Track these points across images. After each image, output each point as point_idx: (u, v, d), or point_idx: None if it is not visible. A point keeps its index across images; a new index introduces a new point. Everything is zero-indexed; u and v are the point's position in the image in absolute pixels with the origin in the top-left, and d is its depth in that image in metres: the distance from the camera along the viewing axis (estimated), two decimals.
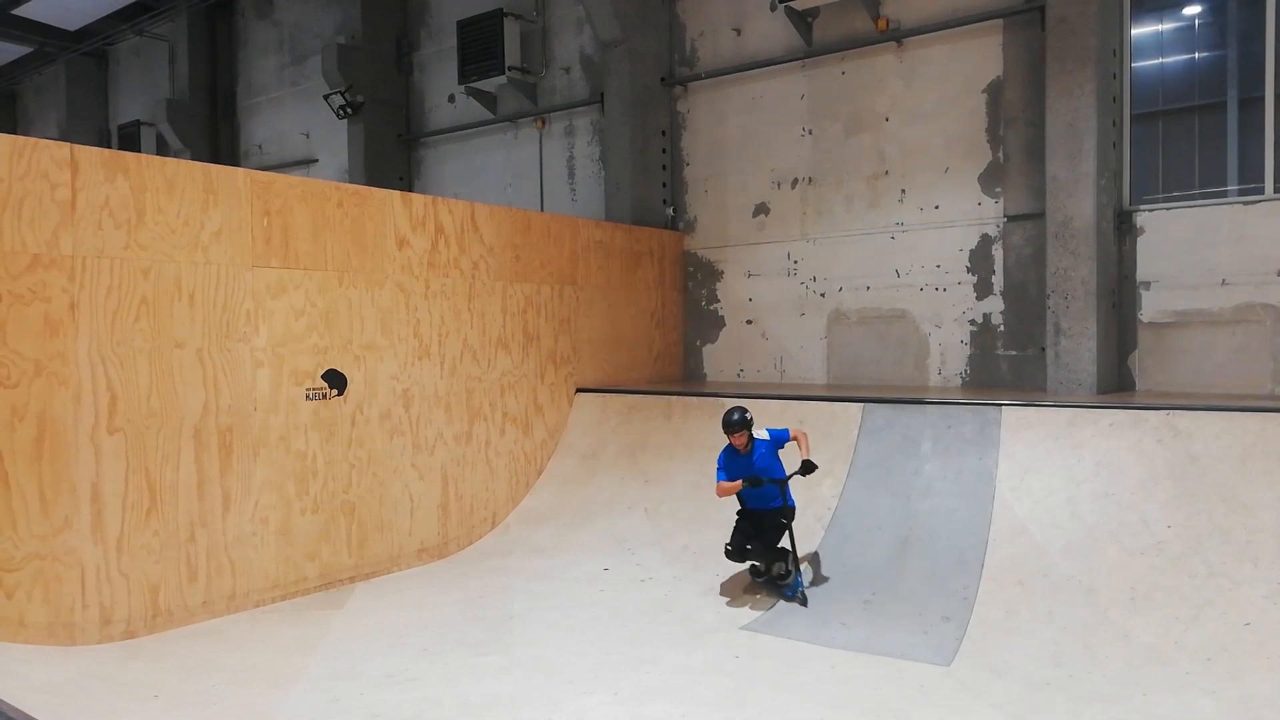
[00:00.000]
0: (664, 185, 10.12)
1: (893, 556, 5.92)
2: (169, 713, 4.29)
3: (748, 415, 5.83)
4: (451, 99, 12.29)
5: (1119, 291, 7.49)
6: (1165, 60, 7.60)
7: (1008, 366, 8.13)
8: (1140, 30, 7.63)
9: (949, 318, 8.42)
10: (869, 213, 8.87)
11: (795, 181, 9.34)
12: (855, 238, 8.95)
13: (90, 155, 5.19)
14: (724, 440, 6.00)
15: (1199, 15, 7.47)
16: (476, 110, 11.92)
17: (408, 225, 6.98)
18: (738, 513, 6.00)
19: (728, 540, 5.83)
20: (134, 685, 4.59)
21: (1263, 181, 7.04)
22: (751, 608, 5.73)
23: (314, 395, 6.29)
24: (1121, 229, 7.50)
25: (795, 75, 9.28)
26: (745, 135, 9.67)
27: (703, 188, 10.03)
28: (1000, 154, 8.13)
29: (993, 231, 8.18)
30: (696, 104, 10.06)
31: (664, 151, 10.12)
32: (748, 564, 5.92)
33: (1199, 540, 5.18)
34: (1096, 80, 7.09)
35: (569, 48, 11.08)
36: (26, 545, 4.89)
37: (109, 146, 11.62)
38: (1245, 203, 7.05)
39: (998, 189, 8.15)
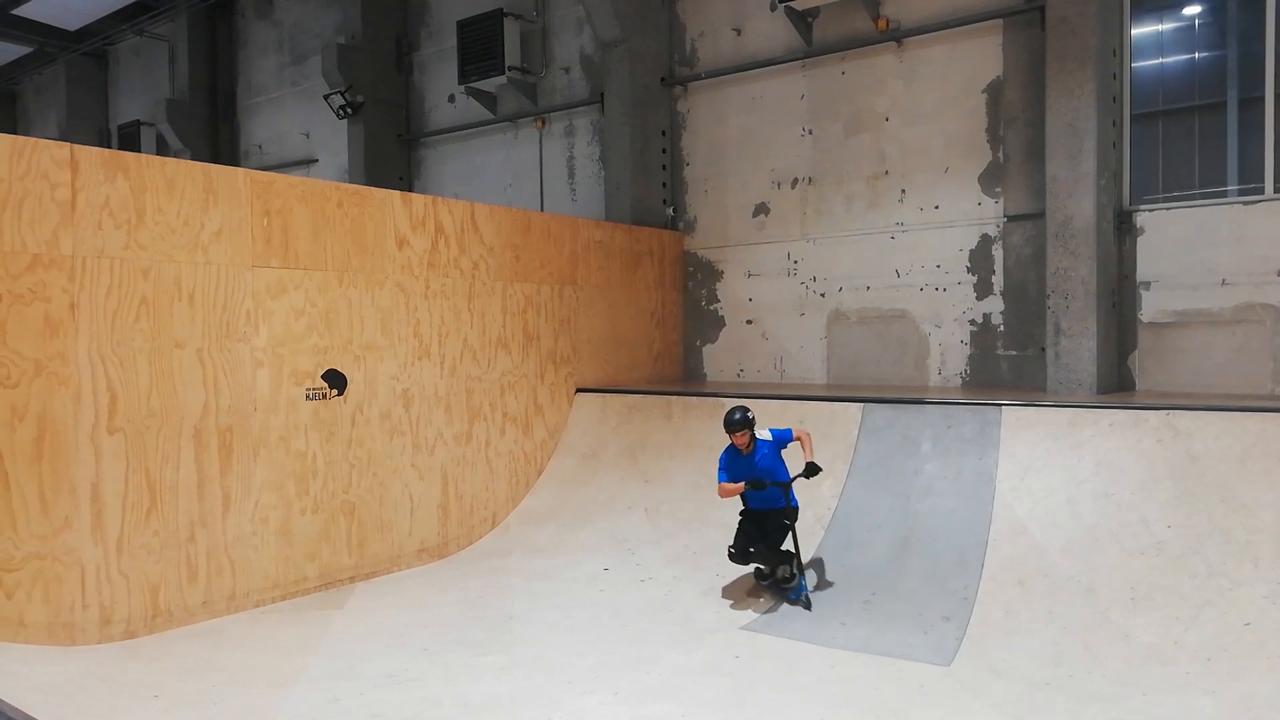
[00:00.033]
0: (664, 185, 10.12)
1: (893, 556, 5.92)
2: (169, 713, 4.28)
3: (749, 414, 5.77)
4: (451, 99, 12.29)
5: (1119, 291, 7.49)
6: (1165, 60, 7.60)
7: (1008, 366, 8.14)
8: (1140, 30, 7.63)
9: (949, 318, 8.42)
10: (869, 213, 8.87)
11: (795, 181, 9.34)
12: (855, 238, 8.95)
13: (90, 155, 5.19)
14: (725, 440, 5.96)
15: (1199, 15, 7.47)
16: (476, 110, 11.92)
17: (408, 225, 6.98)
18: (740, 513, 5.97)
19: (731, 543, 5.79)
20: (134, 685, 4.59)
21: (1263, 181, 7.04)
22: (751, 608, 5.73)
23: (314, 395, 6.29)
24: (1121, 229, 7.50)
25: (795, 75, 9.28)
26: (745, 135, 9.67)
27: (703, 188, 10.03)
28: (1000, 154, 8.13)
29: (993, 231, 8.18)
30: (696, 104, 10.06)
31: (664, 151, 10.12)
32: (752, 566, 5.90)
33: (1199, 540, 5.18)
34: (1096, 80, 7.09)
35: (569, 48, 11.08)
36: (26, 545, 4.89)
37: (109, 146, 11.62)
38: (1245, 203, 7.05)
39: (998, 189, 8.15)
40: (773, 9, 9.21)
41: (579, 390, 8.56)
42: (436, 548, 7.12)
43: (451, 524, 7.26)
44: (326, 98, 12.54)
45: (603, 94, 10.29)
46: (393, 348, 6.84)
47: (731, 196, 9.80)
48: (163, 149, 15.13)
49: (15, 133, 8.19)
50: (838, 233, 9.07)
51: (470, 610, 5.85)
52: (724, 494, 5.85)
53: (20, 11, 15.12)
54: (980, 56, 8.17)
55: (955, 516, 5.98)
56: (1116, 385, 7.42)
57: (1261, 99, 7.05)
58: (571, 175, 11.11)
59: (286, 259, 6.14)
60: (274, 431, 6.04)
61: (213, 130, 15.32)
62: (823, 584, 5.87)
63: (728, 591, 5.97)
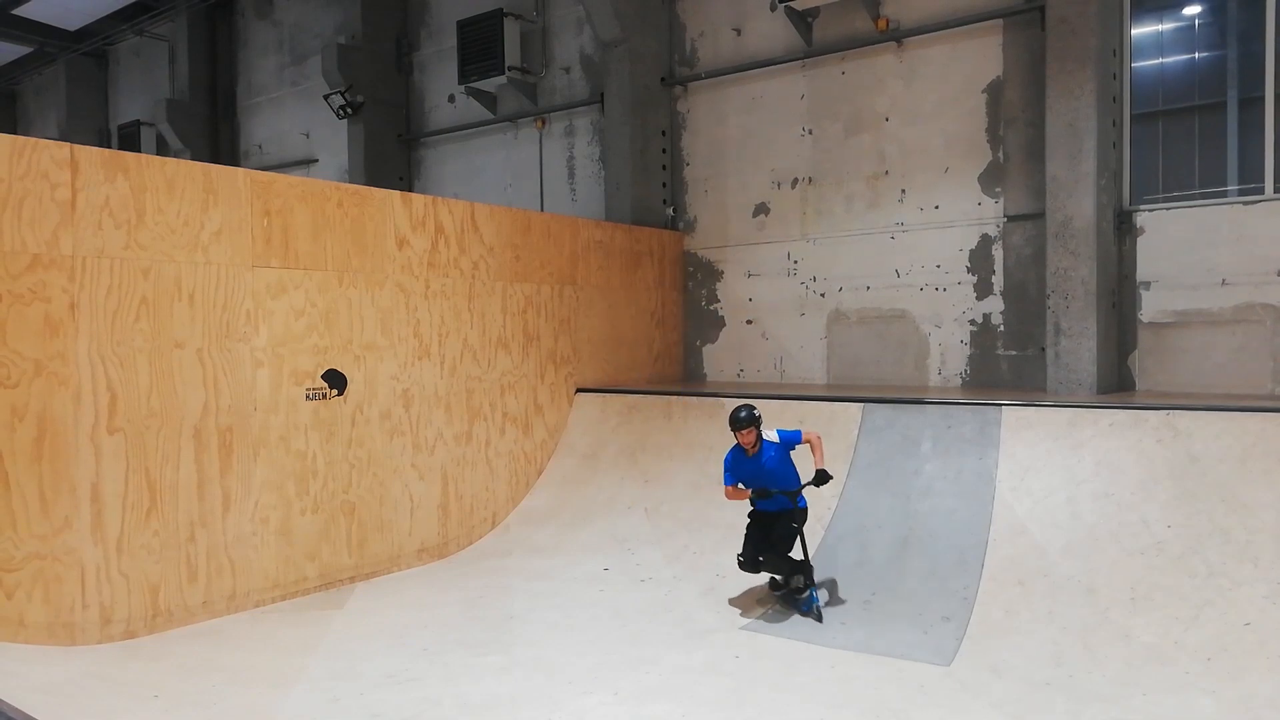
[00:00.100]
0: (664, 185, 10.12)
1: (893, 556, 5.92)
2: (169, 713, 4.28)
3: (756, 412, 5.61)
4: (451, 99, 12.29)
5: (1119, 291, 7.49)
6: (1165, 60, 7.59)
7: (1008, 366, 8.14)
8: (1140, 30, 7.63)
9: (949, 318, 8.42)
10: (869, 213, 8.87)
11: (795, 181, 9.34)
12: (855, 238, 8.95)
13: (90, 155, 5.19)
14: (726, 440, 5.86)
15: (1199, 15, 7.47)
16: (476, 110, 11.92)
17: (408, 225, 6.98)
18: (749, 515, 5.87)
19: (739, 551, 5.71)
20: (134, 685, 4.59)
21: (1263, 181, 7.04)
22: (752, 608, 5.72)
23: (314, 395, 6.29)
24: (1121, 229, 7.50)
25: (795, 75, 9.28)
26: (745, 135, 9.67)
27: (703, 188, 10.03)
28: (1000, 154, 8.13)
29: (993, 231, 8.18)
30: (696, 104, 10.06)
31: (664, 151, 10.12)
32: (766, 576, 5.83)
33: (1199, 540, 5.18)
34: (1096, 80, 7.09)
35: (569, 48, 11.08)
36: (26, 545, 4.89)
37: (109, 146, 11.62)
38: (1245, 203, 7.05)
39: (998, 189, 8.15)
40: (773, 9, 9.21)
41: (579, 390, 8.56)
42: (436, 548, 7.12)
43: (451, 524, 7.26)
44: (326, 98, 12.54)
45: (603, 94, 10.29)
46: (393, 348, 6.84)
47: (731, 196, 9.80)
48: (163, 149, 15.14)
49: (15, 133, 8.19)
50: (838, 233, 9.07)
51: (470, 610, 5.85)
52: (730, 497, 5.79)
53: (20, 11, 15.12)
54: (980, 56, 8.17)
55: (955, 516, 5.98)
56: (1116, 385, 7.42)
57: (1261, 99, 7.05)
58: (571, 175, 11.11)
59: (286, 259, 6.14)
60: (274, 431, 6.04)
61: (213, 130, 15.32)
62: (823, 584, 5.86)
63: (728, 591, 5.97)
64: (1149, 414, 5.86)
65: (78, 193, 5.11)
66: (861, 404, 6.98)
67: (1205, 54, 7.43)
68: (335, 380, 6.43)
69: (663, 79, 10.11)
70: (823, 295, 9.16)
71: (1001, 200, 8.13)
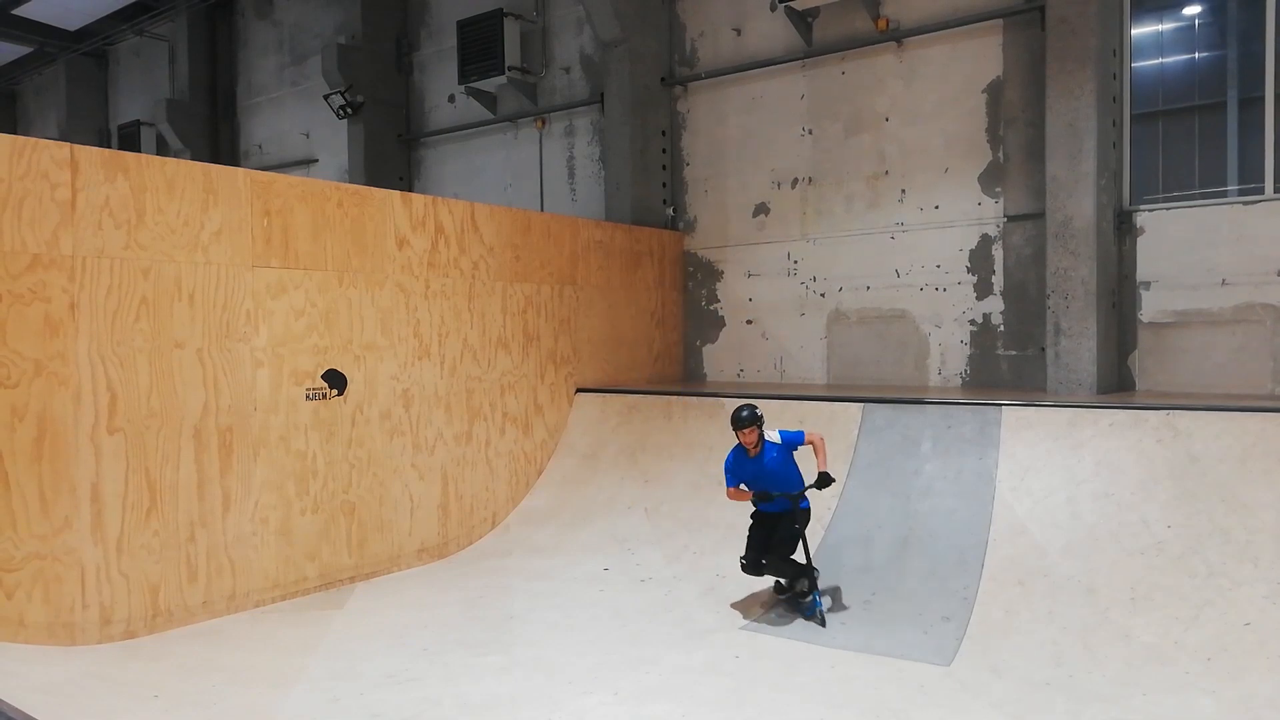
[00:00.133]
0: (664, 185, 10.12)
1: (893, 556, 5.92)
2: (169, 713, 4.28)
3: (758, 412, 5.57)
4: (451, 99, 12.29)
5: (1119, 291, 7.49)
6: (1165, 60, 7.60)
7: (1008, 366, 8.14)
8: (1140, 30, 7.63)
9: (949, 318, 8.42)
10: (869, 213, 8.87)
11: (795, 181, 9.34)
12: (855, 238, 8.95)
13: (90, 155, 5.19)
14: (726, 440, 5.84)
15: (1199, 15, 7.47)
16: (476, 110, 11.92)
17: (408, 225, 6.98)
18: (751, 516, 5.85)
19: (742, 554, 5.69)
20: (134, 685, 4.59)
21: (1263, 181, 7.04)
22: (751, 608, 5.72)
23: (314, 395, 6.29)
24: (1121, 229, 7.50)
25: (795, 75, 9.28)
26: (745, 135, 9.67)
27: (703, 188, 10.03)
28: (1000, 154, 8.13)
29: (993, 231, 8.18)
30: (696, 104, 10.06)
31: (664, 151, 10.12)
32: (770, 579, 5.82)
33: (1199, 540, 5.18)
34: (1096, 80, 7.09)
35: (569, 48, 11.08)
36: (26, 545, 4.89)
37: (109, 146, 11.62)
38: (1245, 203, 7.05)
39: (998, 189, 8.15)
40: (773, 9, 9.21)
41: (579, 390, 8.56)
42: (436, 548, 7.12)
43: (451, 524, 7.26)
44: (326, 98, 12.54)
45: (603, 94, 10.29)
46: (393, 348, 6.84)
47: (731, 196, 9.80)
48: (163, 149, 15.14)
49: (15, 133, 8.19)
50: (838, 233, 9.07)
51: (470, 610, 5.85)
52: (732, 498, 5.78)
53: (20, 11, 15.12)
54: (980, 56, 8.17)
55: (955, 516, 5.98)
56: (1116, 385, 7.42)
57: (1261, 99, 7.05)
58: (571, 175, 11.11)
59: (286, 259, 6.14)
60: (274, 431, 6.04)
61: (213, 130, 15.32)
62: (827, 591, 5.84)
63: (728, 591, 5.97)
64: (1149, 414, 5.87)
65: (78, 193, 5.11)
66: (861, 404, 6.98)
67: (1205, 54, 7.43)
68: (335, 380, 6.43)
69: (663, 79, 10.11)
70: (823, 295, 9.16)
71: (1001, 200, 8.13)
